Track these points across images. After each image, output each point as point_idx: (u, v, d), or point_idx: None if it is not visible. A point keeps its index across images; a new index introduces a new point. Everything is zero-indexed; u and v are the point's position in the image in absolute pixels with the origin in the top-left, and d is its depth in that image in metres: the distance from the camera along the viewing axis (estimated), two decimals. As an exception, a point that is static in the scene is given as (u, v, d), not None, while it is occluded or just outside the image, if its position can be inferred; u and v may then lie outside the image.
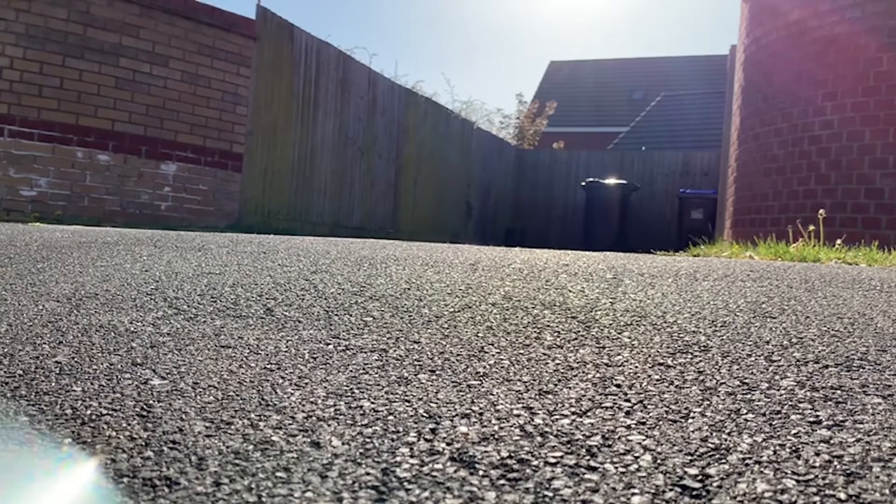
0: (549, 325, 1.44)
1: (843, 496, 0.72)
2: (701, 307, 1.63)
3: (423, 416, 0.94)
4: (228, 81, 6.59)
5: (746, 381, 1.09)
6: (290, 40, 7.35)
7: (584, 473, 0.77)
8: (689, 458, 0.81)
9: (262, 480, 0.75)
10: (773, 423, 0.91)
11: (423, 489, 0.74)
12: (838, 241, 4.08)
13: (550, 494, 0.73)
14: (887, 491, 0.72)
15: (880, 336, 1.36)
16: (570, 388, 1.06)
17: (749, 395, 1.02)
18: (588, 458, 0.81)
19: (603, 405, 0.99)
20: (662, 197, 12.42)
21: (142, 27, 5.99)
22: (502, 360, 1.21)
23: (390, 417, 0.93)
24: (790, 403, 0.98)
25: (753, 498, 0.72)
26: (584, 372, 1.14)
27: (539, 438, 0.87)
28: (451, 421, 0.92)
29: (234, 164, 6.70)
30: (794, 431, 0.88)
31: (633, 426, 0.91)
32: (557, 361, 1.20)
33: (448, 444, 0.85)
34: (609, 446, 0.84)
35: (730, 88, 8.58)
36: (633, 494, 0.73)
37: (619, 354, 1.24)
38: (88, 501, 0.72)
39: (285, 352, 1.24)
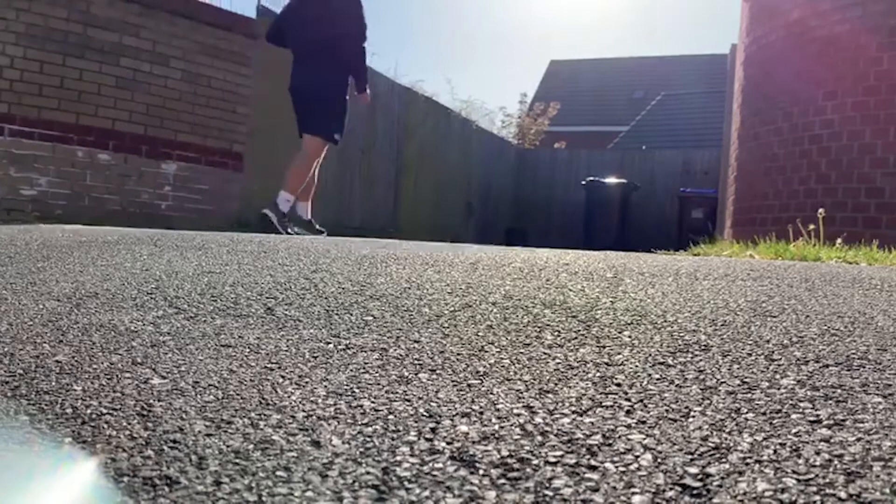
0: (549, 325, 1.44)
1: (843, 495, 0.72)
2: (701, 306, 1.63)
3: (423, 415, 0.94)
4: (229, 81, 6.59)
5: (747, 380, 1.09)
6: (291, 40, 7.34)
7: (585, 473, 0.77)
8: (690, 457, 0.81)
9: (262, 480, 0.75)
10: (774, 422, 0.91)
11: (423, 488, 0.74)
12: (838, 241, 4.08)
13: (551, 494, 0.73)
14: (887, 490, 0.72)
15: (881, 335, 1.36)
16: (570, 387, 1.06)
17: (749, 395, 1.02)
18: (588, 457, 0.81)
19: (603, 404, 0.99)
20: (663, 196, 12.41)
21: (142, 26, 5.99)
22: (502, 359, 1.21)
23: (390, 416, 0.93)
24: (790, 402, 0.98)
25: (754, 497, 0.72)
26: (584, 371, 1.14)
27: (539, 437, 0.87)
28: (452, 420, 0.92)
29: (234, 163, 6.70)
30: (794, 430, 0.88)
31: (633, 425, 0.91)
32: (558, 360, 1.20)
33: (448, 444, 0.85)
34: (609, 445, 0.84)
35: (730, 88, 8.58)
36: (634, 494, 0.73)
37: (619, 353, 1.24)
38: (88, 501, 0.72)
39: (285, 351, 1.24)
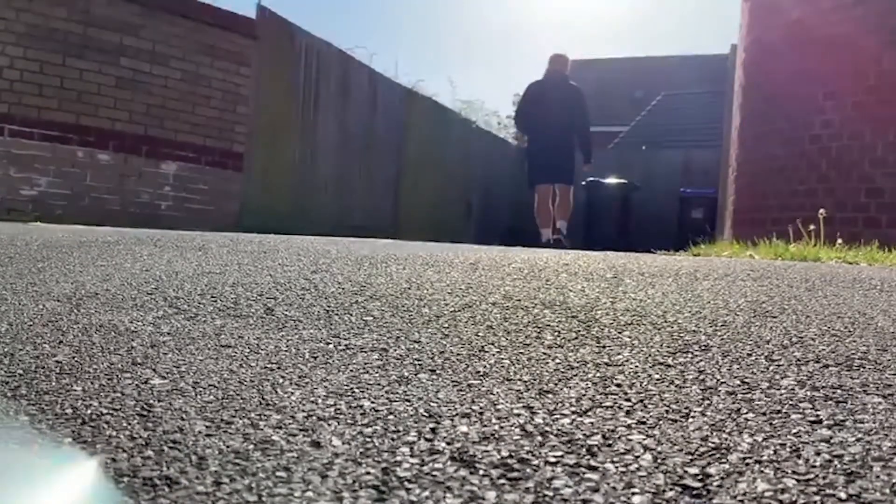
0: (549, 325, 1.44)
1: (843, 495, 0.72)
2: (701, 306, 1.63)
3: (423, 415, 0.94)
4: (229, 81, 6.59)
5: (747, 380, 1.09)
6: (291, 40, 7.34)
7: (585, 473, 0.77)
8: (690, 457, 0.81)
9: (262, 480, 0.75)
10: (774, 422, 0.91)
11: (423, 489, 0.74)
12: (839, 241, 4.08)
13: (551, 494, 0.73)
14: (888, 490, 0.72)
15: (881, 335, 1.36)
16: (570, 387, 1.06)
17: (749, 395, 1.02)
18: (588, 457, 0.81)
19: (603, 405, 0.99)
20: (663, 196, 12.39)
21: (142, 26, 5.99)
22: (502, 359, 1.21)
23: (390, 417, 0.93)
24: (790, 403, 0.98)
25: (754, 497, 0.72)
26: (584, 371, 1.14)
27: (539, 438, 0.87)
28: (452, 420, 0.92)
29: (234, 163, 6.69)
30: (794, 431, 0.88)
31: (633, 426, 0.91)
32: (558, 361, 1.20)
33: (448, 444, 0.85)
34: (609, 446, 0.84)
35: (730, 88, 8.57)
36: (634, 494, 0.73)
37: (619, 354, 1.24)
38: (88, 501, 0.72)
39: (285, 351, 1.24)
